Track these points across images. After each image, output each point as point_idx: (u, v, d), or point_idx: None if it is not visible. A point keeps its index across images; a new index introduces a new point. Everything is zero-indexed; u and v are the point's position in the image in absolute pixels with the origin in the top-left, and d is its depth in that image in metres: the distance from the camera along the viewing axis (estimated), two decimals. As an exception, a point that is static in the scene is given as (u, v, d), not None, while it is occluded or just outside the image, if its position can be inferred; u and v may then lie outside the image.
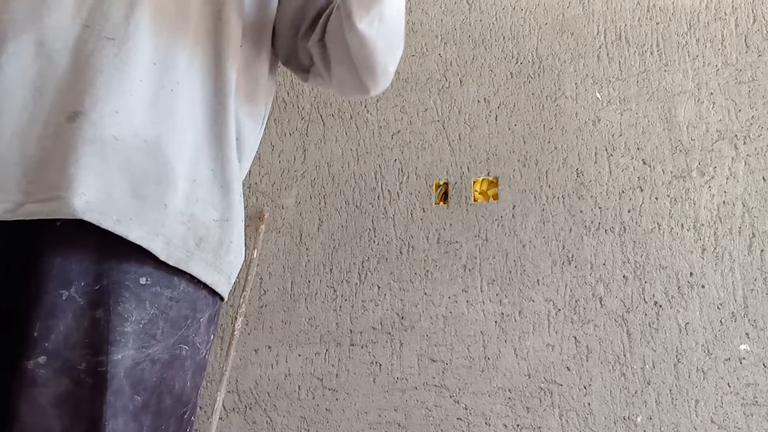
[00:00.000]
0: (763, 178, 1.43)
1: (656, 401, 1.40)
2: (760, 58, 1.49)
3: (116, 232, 0.56)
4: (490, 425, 1.51)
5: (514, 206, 1.62)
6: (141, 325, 0.57)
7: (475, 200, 1.67)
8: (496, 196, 1.65)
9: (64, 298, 0.55)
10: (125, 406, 0.56)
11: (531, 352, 1.52)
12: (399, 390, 1.61)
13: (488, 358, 1.55)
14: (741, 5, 1.54)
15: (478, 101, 1.73)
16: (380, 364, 1.64)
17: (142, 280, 0.58)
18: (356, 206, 1.78)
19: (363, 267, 1.73)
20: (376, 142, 1.81)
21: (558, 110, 1.65)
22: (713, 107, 1.51)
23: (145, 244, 0.57)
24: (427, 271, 1.66)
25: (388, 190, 1.77)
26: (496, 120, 1.70)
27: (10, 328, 0.56)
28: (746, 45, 1.51)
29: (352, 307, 1.71)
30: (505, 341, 1.54)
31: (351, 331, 1.69)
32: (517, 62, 1.72)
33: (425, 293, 1.65)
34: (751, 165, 1.45)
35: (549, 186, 1.60)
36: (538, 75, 1.69)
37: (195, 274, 0.62)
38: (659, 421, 1.38)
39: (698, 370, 1.38)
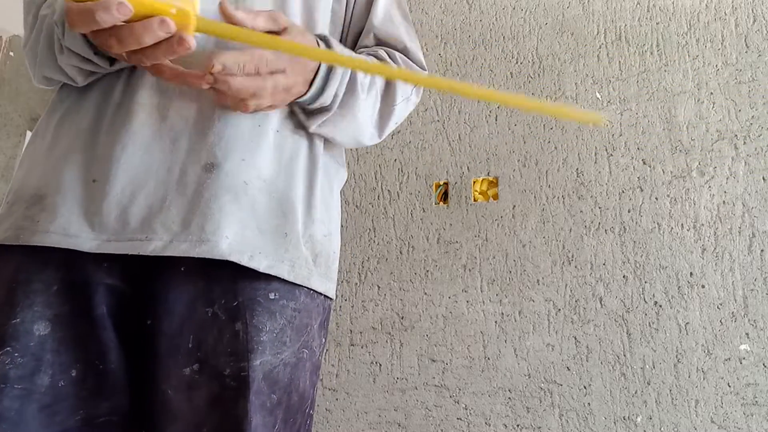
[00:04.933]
0: (763, 178, 1.43)
1: (656, 401, 1.39)
2: (760, 58, 1.49)
3: (250, 267, 0.64)
4: (490, 425, 1.51)
5: (514, 206, 1.62)
6: (275, 335, 0.66)
7: (475, 200, 1.66)
8: (496, 196, 1.65)
9: (209, 314, 0.64)
10: (263, 403, 0.64)
11: (531, 352, 1.52)
12: (399, 390, 1.61)
13: (488, 358, 1.55)
14: (741, 5, 1.54)
15: (478, 101, 1.73)
16: (380, 364, 1.64)
17: (272, 295, 0.66)
18: (356, 206, 1.78)
19: (363, 267, 1.73)
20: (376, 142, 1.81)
21: (558, 110, 1.64)
22: (713, 107, 1.51)
23: (273, 272, 0.66)
24: (427, 271, 1.66)
25: (388, 190, 1.77)
26: (496, 120, 1.70)
27: (156, 344, 0.64)
28: (746, 45, 1.51)
29: (352, 307, 1.71)
30: (505, 341, 1.54)
31: (351, 331, 1.69)
32: (517, 62, 1.72)
33: (425, 293, 1.65)
34: (751, 165, 1.45)
35: (549, 186, 1.60)
36: (538, 75, 1.69)
37: (313, 288, 0.71)
38: (659, 421, 1.38)
39: (698, 370, 1.38)
